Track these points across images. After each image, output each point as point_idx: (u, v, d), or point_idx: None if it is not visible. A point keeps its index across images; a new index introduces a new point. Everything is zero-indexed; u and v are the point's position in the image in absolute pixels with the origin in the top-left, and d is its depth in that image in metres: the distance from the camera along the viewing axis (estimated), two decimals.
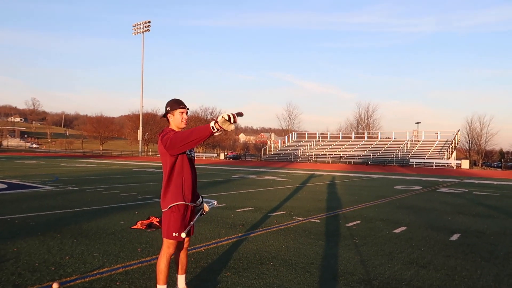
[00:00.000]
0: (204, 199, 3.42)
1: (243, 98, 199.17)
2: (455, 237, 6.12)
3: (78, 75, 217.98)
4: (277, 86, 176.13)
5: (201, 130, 2.69)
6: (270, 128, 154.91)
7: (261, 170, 28.26)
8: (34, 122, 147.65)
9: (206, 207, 3.35)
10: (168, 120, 3.15)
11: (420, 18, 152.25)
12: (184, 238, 3.05)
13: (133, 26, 65.68)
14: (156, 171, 22.22)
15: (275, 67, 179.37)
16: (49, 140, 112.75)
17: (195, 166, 3.31)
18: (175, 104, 3.11)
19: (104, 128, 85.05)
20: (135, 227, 6.16)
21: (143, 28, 64.87)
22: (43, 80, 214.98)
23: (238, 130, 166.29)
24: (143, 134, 70.41)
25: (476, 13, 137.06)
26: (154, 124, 78.60)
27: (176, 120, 3.10)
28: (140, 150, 71.04)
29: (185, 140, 2.75)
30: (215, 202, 3.62)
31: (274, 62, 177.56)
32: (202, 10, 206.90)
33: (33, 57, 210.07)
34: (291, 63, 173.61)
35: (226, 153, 69.71)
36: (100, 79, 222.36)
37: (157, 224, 6.25)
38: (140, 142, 70.29)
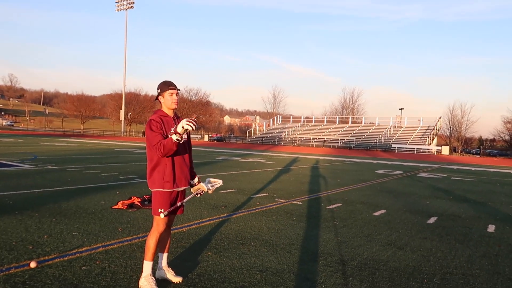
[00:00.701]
0: (208, 179, 3.42)
1: (229, 80, 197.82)
2: (432, 220, 6.27)
3: (58, 51, 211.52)
4: (263, 69, 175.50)
5: (168, 145, 2.86)
6: (256, 111, 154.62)
7: (245, 152, 28.28)
8: (11, 99, 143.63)
9: (204, 187, 3.29)
10: (160, 102, 3.18)
11: (408, 4, 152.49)
12: (164, 216, 3.05)
13: (116, 2, 63.88)
14: (138, 151, 22.00)
15: (262, 50, 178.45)
16: (27, 118, 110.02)
17: (191, 146, 3.34)
18: (165, 86, 3.13)
19: (85, 106, 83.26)
20: (116, 207, 6.11)
21: (126, 5, 63.15)
22: (20, 56, 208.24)
23: (223, 112, 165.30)
24: (126, 114, 69.39)
25: (463, 1, 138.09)
26: (137, 104, 77.43)
27: (167, 101, 3.13)
28: (122, 130, 70.12)
29: (162, 153, 2.91)
30: (220, 182, 3.41)
31: (261, 44, 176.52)
32: None
33: (10, 31, 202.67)
34: (278, 45, 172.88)
35: (210, 135, 69.46)
36: (81, 56, 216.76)
37: (139, 204, 6.21)
38: (122, 122, 69.32)
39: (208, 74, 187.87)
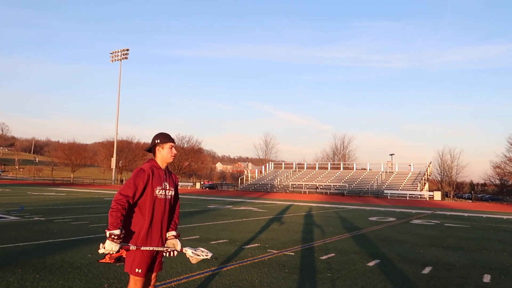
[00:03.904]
0: (199, 248, 3.03)
1: (221, 127, 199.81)
2: (427, 270, 6.15)
3: (52, 100, 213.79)
4: (255, 116, 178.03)
5: (111, 218, 2.85)
6: (248, 158, 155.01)
7: (237, 200, 27.99)
8: (1, 147, 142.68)
9: (178, 246, 3.01)
10: (154, 152, 3.12)
11: (393, 55, 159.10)
12: (144, 275, 2.92)
13: (110, 53, 65.61)
14: None
15: (254, 98, 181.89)
16: (16, 167, 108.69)
17: (179, 201, 3.23)
18: (166, 138, 3.11)
19: (76, 155, 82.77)
20: (103, 260, 5.89)
21: (120, 56, 64.80)
22: (13, 105, 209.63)
23: (215, 159, 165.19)
24: (117, 161, 69.02)
25: (445, 53, 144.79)
26: (129, 152, 77.26)
27: (165, 154, 3.09)
28: (113, 178, 69.37)
29: (111, 208, 2.88)
30: (209, 255, 2.96)
31: (253, 93, 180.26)
32: (180, 40, 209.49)
33: (4, 81, 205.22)
34: (269, 94, 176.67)
35: (202, 182, 68.98)
36: (74, 105, 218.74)
37: None
38: (113, 170, 68.73)
39: (200, 122, 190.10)
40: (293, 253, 7.19)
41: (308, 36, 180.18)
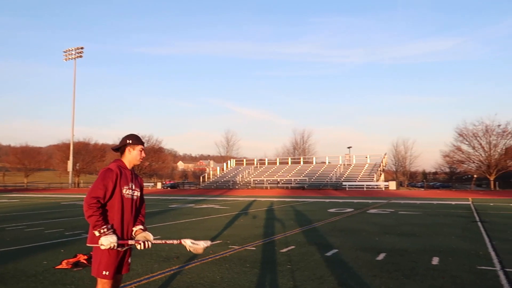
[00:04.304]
0: (195, 241, 3.06)
1: (182, 125, 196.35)
2: (381, 256, 6.48)
3: (0, 101, 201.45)
4: (216, 113, 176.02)
5: (92, 223, 2.82)
6: (209, 155, 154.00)
7: (200, 198, 27.86)
8: None
9: (151, 237, 3.03)
10: (123, 152, 3.12)
11: (351, 50, 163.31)
12: (112, 277, 2.92)
13: (64, 52, 62.92)
14: None
15: (215, 94, 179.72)
16: None
17: (144, 204, 3.25)
18: (137, 140, 3.14)
19: (29, 159, 78.83)
20: (59, 267, 5.76)
21: (75, 54, 62.32)
22: None
23: (176, 157, 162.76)
24: (74, 164, 66.41)
25: (399, 47, 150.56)
26: (86, 154, 74.49)
27: (135, 156, 3.12)
28: (70, 181, 66.74)
29: (85, 212, 2.83)
30: (207, 242, 3.09)
31: (214, 90, 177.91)
32: (138, 37, 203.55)
33: None
34: (231, 90, 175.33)
35: (163, 182, 67.87)
36: (26, 106, 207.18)
37: (85, 262, 5.90)
38: (70, 173, 66.12)
39: (160, 120, 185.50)
40: (254, 248, 7.32)
41: (268, 32, 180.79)
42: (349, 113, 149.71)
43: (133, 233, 3.06)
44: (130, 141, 3.10)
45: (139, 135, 3.19)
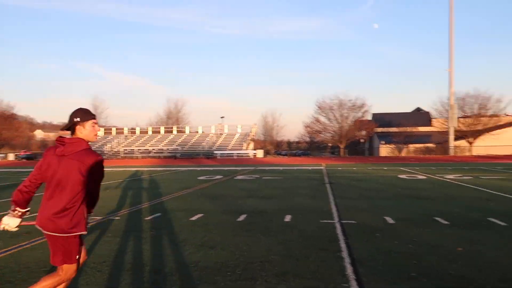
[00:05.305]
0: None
1: (41, 90, 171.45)
2: (242, 217, 6.98)
3: None
4: (83, 78, 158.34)
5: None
6: None
7: None
8: None
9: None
10: (74, 132, 2.72)
11: (230, 21, 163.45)
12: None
13: None
14: None
15: (81, 57, 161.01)
16: None
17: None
18: (87, 115, 2.74)
19: None
20: None
21: None
22: None
23: (33, 126, 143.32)
24: None
25: (274, 22, 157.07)
26: None
27: (89, 133, 2.74)
28: None
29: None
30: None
31: (80, 51, 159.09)
32: None
33: None
34: (98, 52, 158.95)
35: (18, 153, 59.75)
36: None
37: None
38: None
39: (13, 83, 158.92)
40: (119, 217, 7.13)
41: None
42: (225, 85, 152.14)
43: None
44: (78, 119, 2.72)
45: (87, 108, 2.82)
